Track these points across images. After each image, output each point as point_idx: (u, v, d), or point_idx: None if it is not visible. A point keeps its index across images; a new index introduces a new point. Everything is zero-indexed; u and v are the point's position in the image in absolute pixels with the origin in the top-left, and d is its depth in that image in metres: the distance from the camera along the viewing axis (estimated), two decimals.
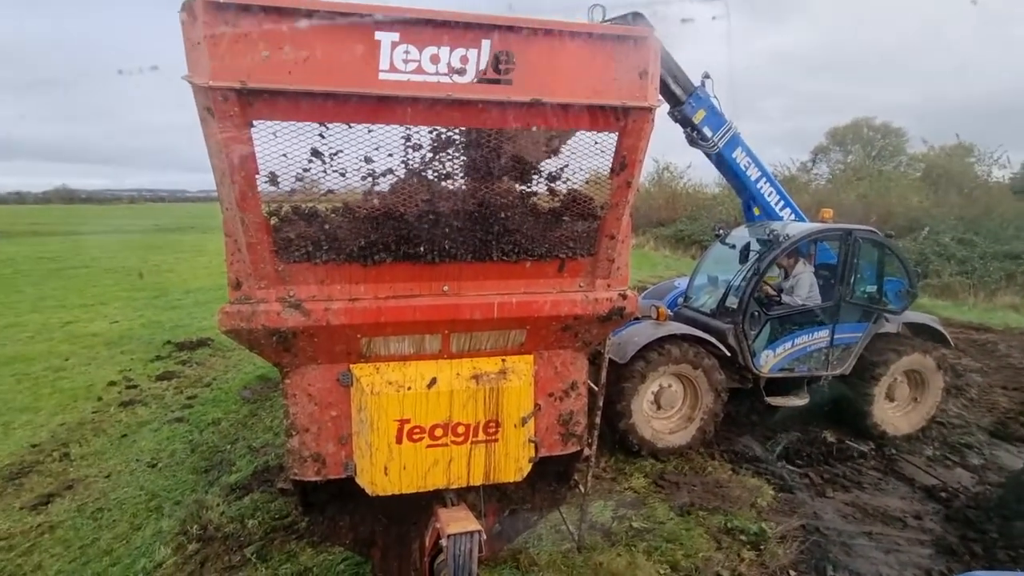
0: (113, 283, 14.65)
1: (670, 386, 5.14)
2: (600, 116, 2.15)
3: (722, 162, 5.75)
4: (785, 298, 5.53)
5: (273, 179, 2.07)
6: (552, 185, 2.46)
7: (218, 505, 4.24)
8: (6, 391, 6.77)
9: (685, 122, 5.49)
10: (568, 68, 2.06)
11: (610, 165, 2.29)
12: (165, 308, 11.59)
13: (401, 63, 1.91)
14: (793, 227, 5.55)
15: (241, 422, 5.88)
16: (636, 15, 4.60)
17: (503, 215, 2.29)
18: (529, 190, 2.43)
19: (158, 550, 3.73)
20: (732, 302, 5.39)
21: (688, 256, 20.19)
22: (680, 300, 6.36)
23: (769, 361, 5.33)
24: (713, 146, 5.57)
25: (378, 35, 1.88)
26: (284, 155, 2.05)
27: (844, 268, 5.36)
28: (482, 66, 1.97)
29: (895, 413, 5.70)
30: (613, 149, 2.25)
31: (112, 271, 16.72)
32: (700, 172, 26.62)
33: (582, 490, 3.46)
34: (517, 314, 2.43)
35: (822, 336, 5.41)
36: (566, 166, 2.42)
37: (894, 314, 5.63)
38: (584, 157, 2.34)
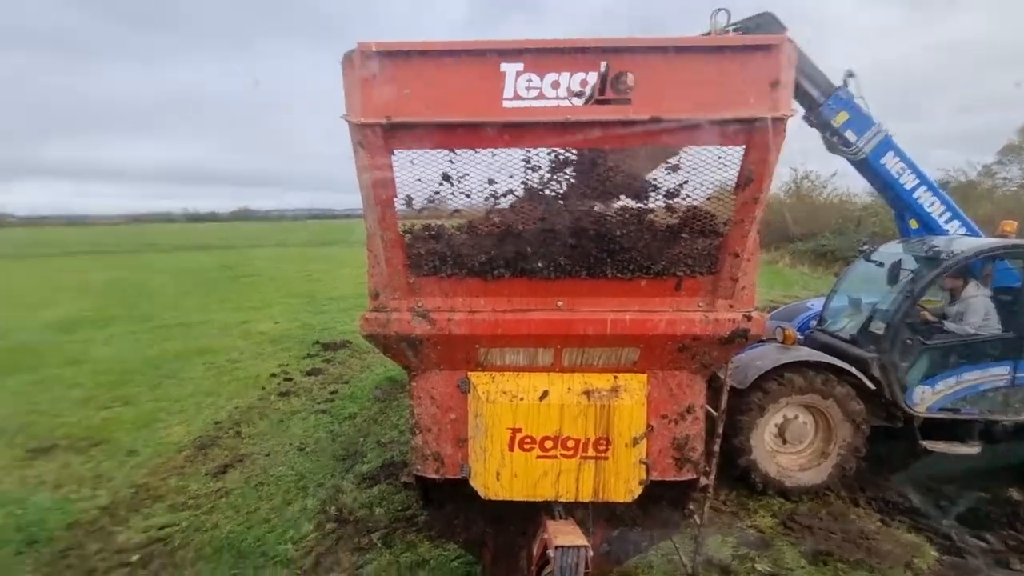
0: (275, 290, 17.11)
1: (796, 417, 4.63)
2: (725, 130, 2.08)
3: (869, 169, 5.08)
4: (950, 325, 4.71)
5: (409, 201, 2.31)
6: (670, 202, 2.41)
7: (352, 491, 4.73)
8: (199, 377, 8.24)
9: (824, 126, 4.97)
10: (690, 83, 2.02)
11: (735, 179, 2.19)
12: (315, 313, 13.22)
13: (524, 90, 2.03)
14: (961, 243, 4.72)
15: (372, 418, 6.49)
16: (765, 15, 4.30)
17: (618, 233, 2.30)
18: (646, 207, 2.41)
19: (303, 525, 4.27)
20: (878, 327, 4.72)
21: (830, 274, 17.99)
22: (813, 323, 5.72)
23: (926, 398, 4.56)
24: (858, 151, 4.95)
25: (503, 66, 2.02)
26: (419, 179, 2.28)
27: None
28: (600, 87, 2.01)
29: None
30: (738, 163, 2.15)
31: (274, 279, 19.54)
32: (847, 180, 23.68)
33: (698, 521, 3.26)
34: (630, 331, 2.41)
35: (1000, 373, 4.50)
36: (686, 182, 2.36)
37: None
38: (706, 171, 2.26)
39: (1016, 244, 4.61)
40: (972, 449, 4.61)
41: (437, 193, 2.36)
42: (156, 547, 4.07)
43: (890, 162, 5.02)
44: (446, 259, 2.38)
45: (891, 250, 5.31)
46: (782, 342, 4.77)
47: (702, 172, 2.26)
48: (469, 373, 2.59)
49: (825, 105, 4.86)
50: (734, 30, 4.07)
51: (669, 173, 2.37)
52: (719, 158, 2.19)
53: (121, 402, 7.14)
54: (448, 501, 2.97)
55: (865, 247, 5.59)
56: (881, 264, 5.14)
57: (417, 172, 2.26)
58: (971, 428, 4.68)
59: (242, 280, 19.57)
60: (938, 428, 4.70)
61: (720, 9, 4.22)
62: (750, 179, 2.15)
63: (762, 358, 4.57)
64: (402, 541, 4.02)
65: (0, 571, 3.84)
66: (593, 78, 2.02)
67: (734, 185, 2.20)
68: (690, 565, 3.48)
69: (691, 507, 3.07)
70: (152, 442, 5.90)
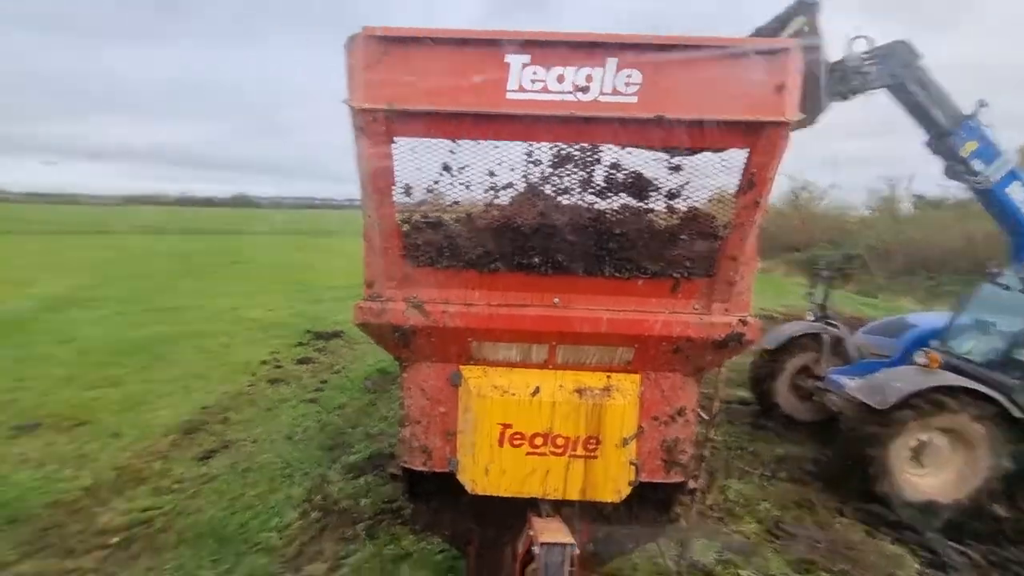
0: (270, 277, 17.01)
1: (934, 441, 4.56)
2: (729, 132, 2.06)
3: (993, 198, 4.97)
4: None
5: (407, 190, 2.29)
6: (671, 203, 2.40)
7: (338, 481, 4.70)
8: (189, 360, 8.18)
9: (950, 155, 4.86)
10: (696, 83, 2.01)
11: (737, 183, 2.18)
12: (309, 301, 13.16)
13: (528, 83, 2.01)
14: None
15: (362, 409, 6.46)
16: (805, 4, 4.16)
17: (617, 231, 2.28)
18: (646, 207, 2.40)
19: (287, 513, 4.24)
20: (1022, 354, 4.66)
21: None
22: (932, 343, 5.53)
23: None
24: (984, 181, 4.89)
25: (508, 58, 2.00)
26: (418, 169, 2.26)
27: None
28: (606, 84, 2.00)
29: None
30: (741, 166, 2.14)
31: (270, 267, 19.45)
32: (844, 193, 23.83)
33: (684, 525, 3.26)
34: (625, 331, 2.39)
35: None
36: (688, 183, 2.35)
37: None
38: (709, 174, 2.25)
39: None
40: None
41: (436, 183, 2.34)
42: (138, 529, 4.03)
43: (1015, 192, 4.96)
44: (443, 250, 2.36)
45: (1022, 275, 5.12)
46: (926, 365, 4.68)
47: (704, 173, 2.25)
48: (461, 367, 2.57)
49: (955, 134, 4.74)
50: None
51: (671, 173, 2.35)
52: (722, 160, 2.18)
53: (108, 383, 7.07)
54: (434, 495, 2.95)
55: (993, 270, 5.44)
56: (1008, 288, 5.04)
57: (417, 161, 2.24)
58: None
59: (236, 266, 19.45)
60: None
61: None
62: (752, 183, 2.14)
63: (902, 379, 4.53)
64: (386, 533, 3.99)
65: None
66: (599, 74, 2.00)
67: (736, 188, 2.20)
68: (674, 570, 3.48)
69: (678, 510, 3.06)
70: (138, 424, 5.84)
